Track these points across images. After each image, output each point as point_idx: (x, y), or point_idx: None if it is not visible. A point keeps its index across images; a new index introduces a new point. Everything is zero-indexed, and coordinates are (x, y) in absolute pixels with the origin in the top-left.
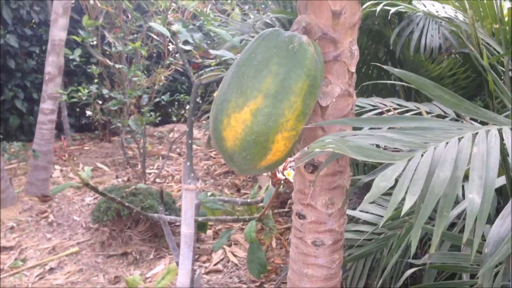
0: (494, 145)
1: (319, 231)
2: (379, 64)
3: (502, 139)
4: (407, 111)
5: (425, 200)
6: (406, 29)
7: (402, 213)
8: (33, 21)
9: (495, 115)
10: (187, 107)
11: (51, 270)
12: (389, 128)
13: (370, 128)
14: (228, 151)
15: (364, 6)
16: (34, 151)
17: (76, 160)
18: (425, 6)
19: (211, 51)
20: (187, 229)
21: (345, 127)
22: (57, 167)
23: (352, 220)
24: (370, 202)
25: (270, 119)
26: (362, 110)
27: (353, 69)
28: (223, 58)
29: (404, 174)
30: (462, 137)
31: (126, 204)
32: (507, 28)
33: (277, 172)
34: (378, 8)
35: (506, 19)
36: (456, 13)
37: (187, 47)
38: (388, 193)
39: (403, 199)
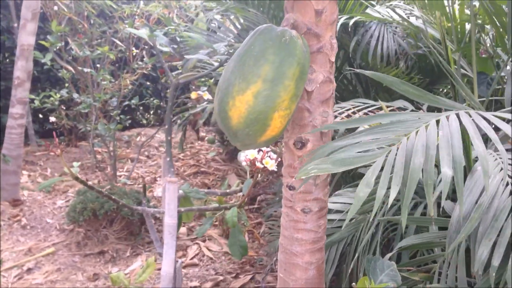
0: (455, 127)
1: (307, 199)
2: (353, 69)
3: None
4: (371, 106)
5: (407, 185)
6: (364, 37)
7: (389, 203)
8: None
9: (453, 103)
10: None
11: (29, 270)
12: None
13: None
14: (233, 129)
15: None
16: (4, 155)
17: (43, 165)
18: (380, 13)
19: (186, 56)
20: (170, 219)
21: (327, 108)
22: (24, 172)
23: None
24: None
25: (269, 100)
26: (340, 111)
27: (333, 59)
28: (190, 62)
29: (384, 170)
30: (428, 125)
31: (113, 197)
32: (458, 27)
33: (256, 162)
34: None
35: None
36: (410, 16)
37: (165, 49)
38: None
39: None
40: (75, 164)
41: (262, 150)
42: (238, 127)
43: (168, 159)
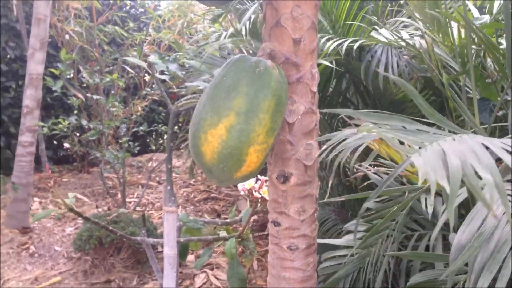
0: (475, 142)
1: (293, 236)
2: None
3: None
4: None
5: (451, 182)
6: (373, 59)
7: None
8: (8, 56)
9: (456, 126)
10: (165, 137)
11: None
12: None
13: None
14: (207, 165)
15: (329, 44)
16: (13, 183)
17: (55, 192)
18: (386, 38)
19: (186, 83)
20: (170, 250)
21: (311, 140)
22: (36, 199)
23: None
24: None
25: (243, 134)
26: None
27: (314, 89)
28: (199, 88)
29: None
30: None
31: (110, 228)
32: (464, 50)
33: (253, 191)
34: (345, 44)
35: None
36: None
37: (164, 77)
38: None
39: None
40: (70, 195)
41: (259, 179)
42: (212, 163)
43: (168, 187)
